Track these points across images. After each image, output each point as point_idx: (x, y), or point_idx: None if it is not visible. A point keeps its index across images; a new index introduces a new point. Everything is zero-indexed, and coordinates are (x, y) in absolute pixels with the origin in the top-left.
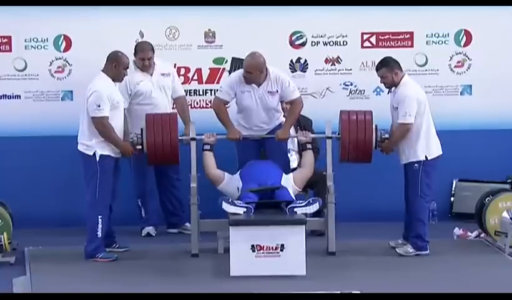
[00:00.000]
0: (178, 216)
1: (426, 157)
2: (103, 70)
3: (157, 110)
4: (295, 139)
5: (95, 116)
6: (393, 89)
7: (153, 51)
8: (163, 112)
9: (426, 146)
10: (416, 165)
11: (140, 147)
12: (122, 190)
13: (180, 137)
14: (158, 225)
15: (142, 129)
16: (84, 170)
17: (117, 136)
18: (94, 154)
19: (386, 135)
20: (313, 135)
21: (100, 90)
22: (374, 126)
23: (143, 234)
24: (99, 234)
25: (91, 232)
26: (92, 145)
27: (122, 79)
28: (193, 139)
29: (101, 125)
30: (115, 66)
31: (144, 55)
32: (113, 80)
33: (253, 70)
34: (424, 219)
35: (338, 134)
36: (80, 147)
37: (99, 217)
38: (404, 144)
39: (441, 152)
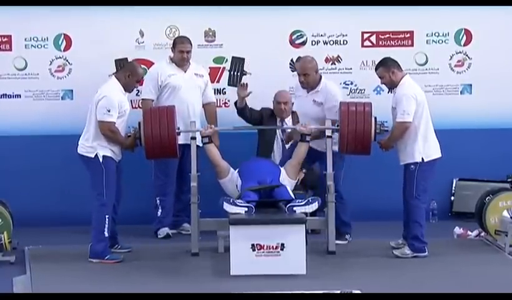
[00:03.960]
0: (180, 217)
1: (422, 159)
2: (115, 75)
3: (184, 106)
4: None
5: (103, 120)
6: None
7: (192, 46)
8: (161, 106)
9: (423, 148)
10: (412, 166)
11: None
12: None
13: (178, 131)
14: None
15: (139, 123)
16: (90, 173)
17: (122, 138)
18: (96, 155)
19: (386, 128)
20: (312, 127)
21: (111, 96)
22: (373, 118)
23: (161, 235)
24: (106, 233)
25: (98, 232)
26: (94, 146)
27: (132, 91)
28: (193, 137)
29: (108, 130)
30: (128, 76)
31: (184, 47)
32: (124, 89)
33: (309, 71)
34: (420, 221)
35: (337, 125)
36: (81, 150)
37: (106, 217)
38: (401, 145)
39: (439, 155)
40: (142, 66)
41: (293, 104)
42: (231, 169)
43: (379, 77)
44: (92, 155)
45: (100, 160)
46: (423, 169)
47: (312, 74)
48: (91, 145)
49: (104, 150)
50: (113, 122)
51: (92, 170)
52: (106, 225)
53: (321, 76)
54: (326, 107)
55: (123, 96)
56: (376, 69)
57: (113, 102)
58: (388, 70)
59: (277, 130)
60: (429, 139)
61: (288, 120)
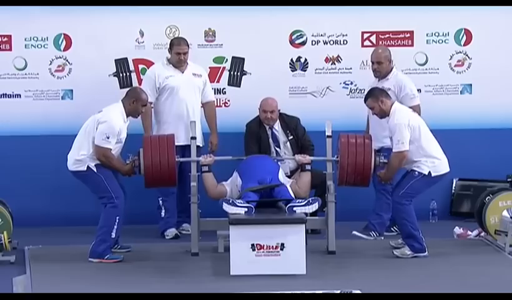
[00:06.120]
0: (180, 217)
1: (429, 172)
2: (122, 101)
3: (183, 107)
4: (288, 144)
5: (100, 146)
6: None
7: (189, 47)
8: (160, 134)
9: (432, 164)
10: (416, 173)
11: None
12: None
13: (177, 160)
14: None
15: (139, 152)
16: (90, 186)
17: (118, 163)
18: (88, 167)
19: (385, 160)
20: (312, 158)
21: (113, 123)
22: (373, 150)
23: (169, 236)
24: (113, 235)
25: (105, 232)
26: (83, 160)
27: (137, 116)
28: (193, 137)
29: (103, 156)
30: (133, 102)
31: (180, 49)
32: (128, 115)
33: (382, 60)
34: (407, 217)
35: (337, 157)
36: (71, 167)
37: (117, 218)
38: (406, 165)
39: (448, 170)
40: (142, 66)
41: (279, 111)
42: (226, 183)
43: (370, 108)
44: (84, 168)
45: (94, 170)
46: (426, 179)
47: (385, 62)
48: (80, 159)
49: (95, 160)
50: (109, 148)
51: (91, 183)
52: (115, 227)
53: (392, 67)
54: (401, 95)
55: (124, 124)
56: (365, 101)
57: (114, 130)
58: (376, 100)
59: (271, 144)
60: (436, 156)
61: (277, 125)
